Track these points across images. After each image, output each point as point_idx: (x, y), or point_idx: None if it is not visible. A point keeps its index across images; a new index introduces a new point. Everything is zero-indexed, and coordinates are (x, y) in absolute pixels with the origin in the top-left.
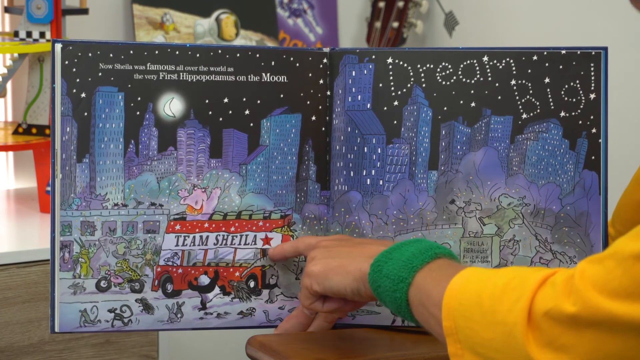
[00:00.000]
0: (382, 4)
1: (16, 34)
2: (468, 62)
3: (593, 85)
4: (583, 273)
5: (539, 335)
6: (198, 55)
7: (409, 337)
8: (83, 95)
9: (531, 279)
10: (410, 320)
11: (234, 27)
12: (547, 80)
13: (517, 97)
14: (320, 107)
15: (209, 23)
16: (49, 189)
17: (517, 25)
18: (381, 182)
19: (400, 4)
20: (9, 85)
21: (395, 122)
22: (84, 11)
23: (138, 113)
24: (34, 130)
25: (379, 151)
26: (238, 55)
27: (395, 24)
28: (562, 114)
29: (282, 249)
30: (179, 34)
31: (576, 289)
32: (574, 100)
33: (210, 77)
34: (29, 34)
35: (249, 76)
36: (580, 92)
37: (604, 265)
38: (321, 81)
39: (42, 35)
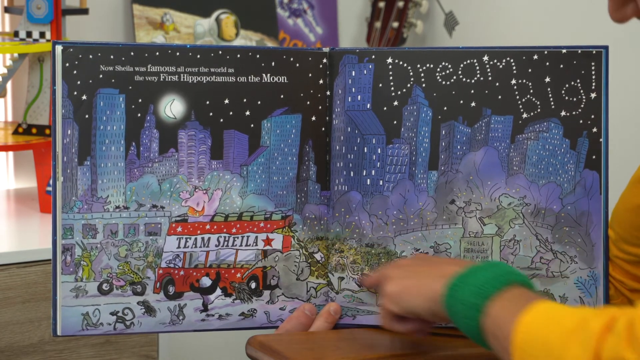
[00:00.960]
0: (382, 4)
1: (16, 34)
2: (468, 61)
3: (594, 84)
4: None
5: None
6: (198, 56)
7: (409, 337)
8: (84, 97)
9: (594, 325)
10: (486, 348)
11: (234, 27)
12: (547, 79)
13: (518, 97)
14: (320, 107)
15: (209, 23)
16: (49, 189)
17: (517, 25)
18: (381, 182)
19: (400, 4)
20: (9, 85)
21: (395, 122)
22: (84, 11)
23: (139, 115)
24: (34, 130)
25: (379, 151)
26: (238, 56)
27: (395, 24)
28: (563, 113)
29: (371, 278)
30: (179, 34)
31: (636, 338)
32: (575, 99)
33: (210, 78)
34: (29, 34)
35: (249, 77)
36: (581, 91)
37: None
38: (321, 81)
39: (42, 35)
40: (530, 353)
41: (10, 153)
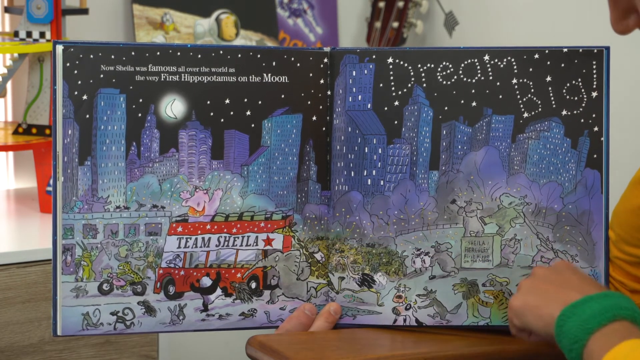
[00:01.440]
0: (382, 4)
1: (16, 34)
2: (469, 61)
3: (595, 83)
4: None
5: None
6: (199, 56)
7: (409, 336)
8: (85, 97)
9: None
10: None
11: (234, 27)
12: (548, 78)
13: (519, 96)
14: (320, 107)
15: (209, 23)
16: (49, 189)
17: (518, 25)
18: (382, 182)
19: (400, 4)
20: (9, 85)
21: (396, 122)
22: (84, 11)
23: (140, 115)
24: (34, 130)
25: (380, 151)
26: (239, 55)
27: (395, 24)
28: (564, 112)
29: None
30: (179, 34)
31: None
32: (576, 98)
33: (211, 78)
34: (29, 34)
35: (250, 77)
36: (582, 90)
37: None
38: (322, 81)
39: (42, 35)
40: None
41: (10, 153)
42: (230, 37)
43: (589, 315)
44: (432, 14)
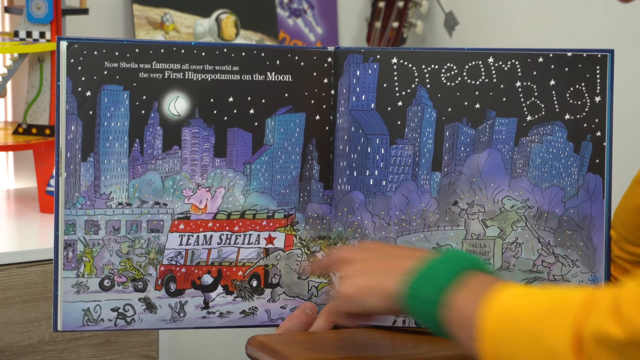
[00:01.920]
0: (382, 4)
1: (16, 34)
2: (473, 63)
3: (598, 88)
4: (631, 294)
5: None
6: (203, 54)
7: (409, 337)
8: (88, 93)
9: (574, 300)
10: (447, 338)
11: (234, 27)
12: (552, 82)
13: (522, 99)
14: (324, 106)
15: (209, 23)
16: (49, 189)
17: (517, 26)
18: (384, 183)
19: (400, 4)
20: (9, 85)
21: (399, 122)
22: (84, 11)
23: (143, 112)
24: (34, 130)
25: (383, 151)
26: (243, 54)
27: (395, 24)
28: (567, 116)
29: (322, 264)
30: (179, 34)
31: (622, 314)
32: (579, 103)
33: (215, 76)
34: (29, 34)
35: (254, 75)
36: (586, 94)
37: None
38: (325, 80)
39: (42, 35)
40: (502, 338)
41: (10, 153)
42: (230, 37)
43: (437, 273)
44: (432, 14)
